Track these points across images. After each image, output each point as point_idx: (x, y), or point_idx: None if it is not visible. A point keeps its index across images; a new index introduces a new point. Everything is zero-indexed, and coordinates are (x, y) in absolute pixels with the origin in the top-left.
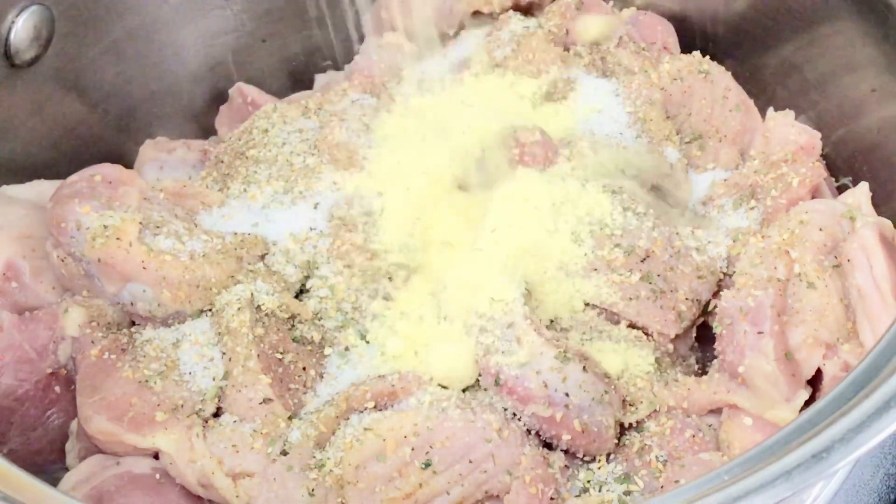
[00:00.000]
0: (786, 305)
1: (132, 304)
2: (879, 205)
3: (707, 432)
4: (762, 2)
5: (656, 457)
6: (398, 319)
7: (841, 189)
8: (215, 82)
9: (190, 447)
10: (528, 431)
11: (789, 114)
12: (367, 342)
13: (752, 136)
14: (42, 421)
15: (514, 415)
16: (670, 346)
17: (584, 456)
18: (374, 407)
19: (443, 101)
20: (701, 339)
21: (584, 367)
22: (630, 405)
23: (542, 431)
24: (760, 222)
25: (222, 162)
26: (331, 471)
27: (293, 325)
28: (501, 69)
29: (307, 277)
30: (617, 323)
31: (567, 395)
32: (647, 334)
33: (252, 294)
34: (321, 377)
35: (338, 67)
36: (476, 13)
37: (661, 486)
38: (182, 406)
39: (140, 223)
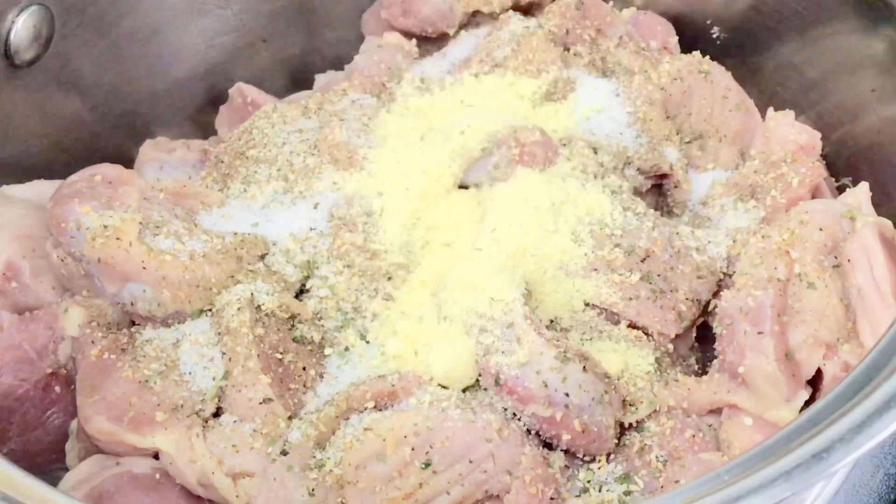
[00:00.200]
0: (786, 305)
1: (132, 304)
2: (879, 205)
3: (707, 432)
4: (762, 2)
5: (656, 457)
6: (398, 319)
7: (841, 189)
8: (215, 82)
9: (190, 447)
10: (528, 431)
11: (789, 114)
12: (367, 342)
13: (752, 136)
14: (42, 421)
15: (514, 415)
16: (670, 346)
17: (584, 456)
18: (374, 407)
19: (443, 101)
20: (701, 339)
21: (584, 367)
22: (630, 405)
23: (542, 431)
24: (760, 222)
25: (222, 162)
26: (331, 471)
27: (293, 325)
28: (501, 69)
29: (307, 277)
30: (617, 323)
31: (567, 395)
32: (647, 334)
33: (252, 294)
34: (321, 377)
35: (338, 67)
36: (476, 13)
37: (661, 486)
38: (182, 406)
39: (140, 223)
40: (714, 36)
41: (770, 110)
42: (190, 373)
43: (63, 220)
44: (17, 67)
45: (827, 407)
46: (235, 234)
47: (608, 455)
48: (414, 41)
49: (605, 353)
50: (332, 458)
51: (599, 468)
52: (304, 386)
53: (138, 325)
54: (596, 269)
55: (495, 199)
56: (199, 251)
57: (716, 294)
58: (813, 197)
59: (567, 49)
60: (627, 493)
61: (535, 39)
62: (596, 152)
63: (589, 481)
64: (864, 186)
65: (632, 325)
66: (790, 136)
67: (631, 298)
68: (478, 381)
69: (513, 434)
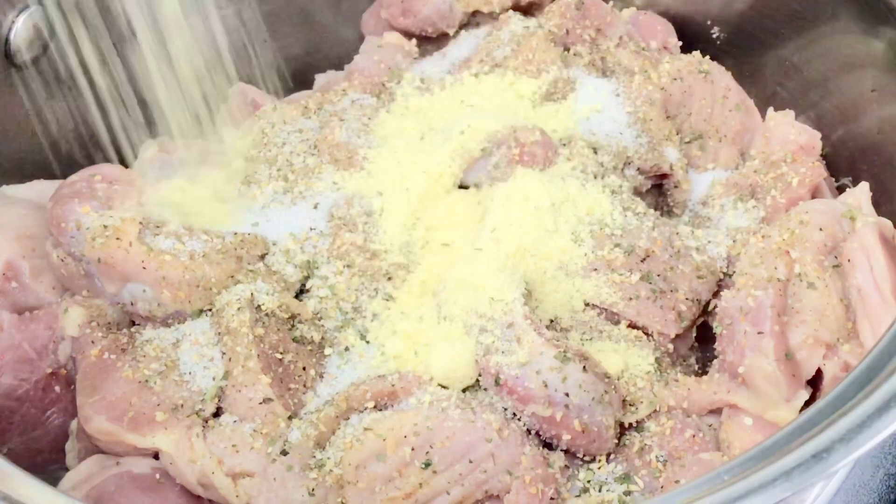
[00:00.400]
0: (786, 305)
1: (132, 304)
2: (879, 205)
3: (707, 432)
4: (762, 2)
5: (656, 457)
6: (398, 319)
7: (841, 189)
8: (215, 82)
9: (190, 447)
10: (528, 431)
11: (789, 114)
12: (367, 342)
13: (752, 135)
14: (42, 421)
15: (514, 415)
16: (670, 346)
17: (584, 456)
18: (374, 407)
19: (443, 101)
20: (701, 339)
21: (584, 367)
22: (630, 405)
23: (542, 431)
24: (760, 222)
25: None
26: (331, 471)
27: (293, 325)
28: (501, 69)
29: (307, 277)
30: (617, 323)
31: (567, 395)
32: (647, 334)
33: (252, 294)
34: (321, 377)
35: (338, 67)
36: (476, 13)
37: (661, 486)
38: (182, 406)
39: (140, 223)
40: (714, 36)
41: (770, 110)
42: (190, 373)
43: (63, 220)
44: (17, 67)
45: (827, 407)
46: (235, 234)
47: (608, 455)
48: (414, 41)
49: (605, 353)
50: (332, 458)
51: (599, 468)
52: (304, 386)
53: (138, 325)
54: (596, 269)
55: (495, 199)
56: (199, 251)
57: (716, 294)
58: (813, 197)
59: (567, 49)
60: (627, 493)
61: (535, 39)
62: (596, 152)
63: (589, 481)
64: (864, 186)
65: (632, 325)
66: (790, 136)
67: (631, 298)
68: (478, 381)
69: (513, 434)
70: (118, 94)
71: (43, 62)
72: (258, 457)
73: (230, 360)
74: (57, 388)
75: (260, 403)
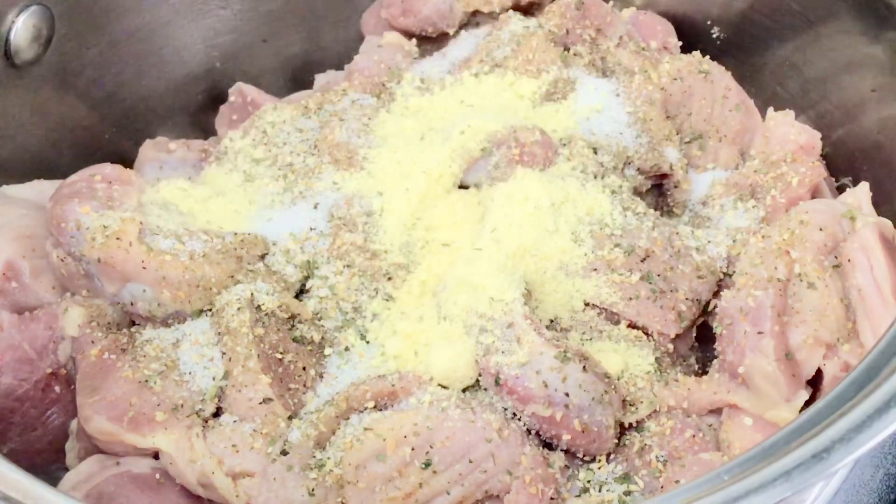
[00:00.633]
0: (786, 305)
1: (132, 304)
2: (879, 205)
3: (707, 432)
4: (762, 2)
5: (656, 457)
6: (398, 319)
7: (841, 189)
8: (215, 82)
9: (190, 447)
10: (528, 431)
11: (789, 114)
12: (367, 342)
13: (752, 135)
14: (42, 421)
15: (514, 415)
16: (670, 346)
17: (584, 456)
18: (374, 407)
19: (443, 101)
20: (701, 339)
21: (584, 367)
22: (630, 405)
23: (542, 431)
24: (760, 222)
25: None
26: (331, 471)
27: (293, 325)
28: (501, 69)
29: (307, 277)
30: (617, 323)
31: (567, 394)
32: (647, 334)
33: (252, 294)
34: (321, 377)
35: (338, 67)
36: (476, 13)
37: (661, 486)
38: (182, 406)
39: (140, 223)
40: (714, 36)
41: (770, 110)
42: (190, 373)
43: (63, 220)
44: (17, 67)
45: (827, 407)
46: (235, 234)
47: (608, 455)
48: (414, 41)
49: (605, 353)
50: (332, 457)
51: (599, 468)
52: (304, 386)
53: (138, 325)
54: (596, 269)
55: (495, 199)
56: (199, 251)
57: (716, 294)
58: (813, 197)
59: (567, 49)
60: (627, 493)
61: (535, 39)
62: (596, 152)
63: (589, 481)
64: (864, 186)
65: (632, 325)
66: (790, 135)
67: (631, 298)
68: (478, 381)
69: (513, 434)
70: (118, 94)
71: (43, 62)
72: (258, 457)
73: (230, 360)
74: (57, 388)
75: (260, 403)
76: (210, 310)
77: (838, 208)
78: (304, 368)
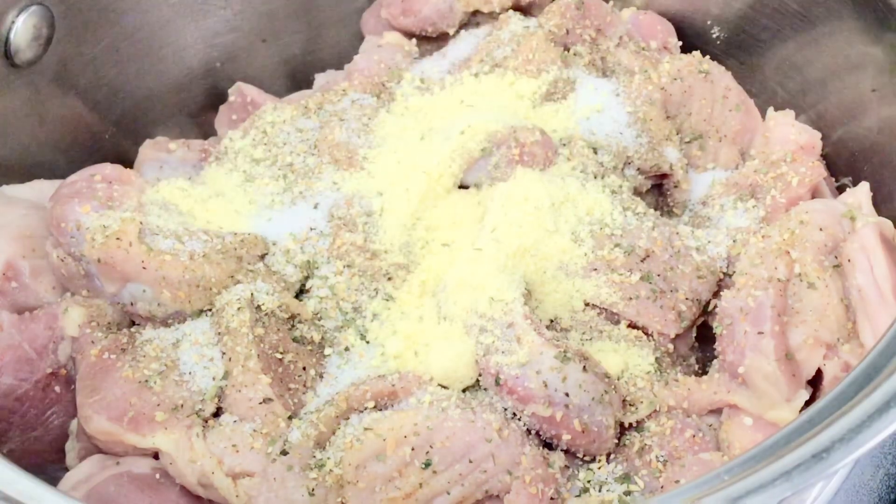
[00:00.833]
0: (786, 305)
1: (132, 304)
2: (879, 205)
3: (707, 432)
4: (762, 2)
5: (656, 457)
6: (398, 319)
7: (841, 189)
8: (215, 82)
9: (190, 447)
10: (528, 431)
11: (789, 114)
12: (367, 342)
13: (752, 135)
14: (42, 421)
15: (514, 415)
16: (670, 346)
17: (584, 456)
18: (374, 407)
19: (443, 101)
20: (701, 339)
21: (584, 367)
22: (630, 405)
23: (542, 431)
24: (760, 222)
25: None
26: (331, 470)
27: (293, 325)
28: (501, 69)
29: (307, 277)
30: (617, 323)
31: (567, 394)
32: (647, 334)
33: (252, 294)
34: (321, 377)
35: (338, 67)
36: (476, 13)
37: (661, 486)
38: (182, 406)
39: (140, 223)
40: (714, 36)
41: (770, 110)
42: (190, 373)
43: (63, 220)
44: (17, 67)
45: (827, 407)
46: (235, 234)
47: (608, 455)
48: (414, 41)
49: (605, 353)
50: (332, 457)
51: (599, 468)
52: (304, 386)
53: (138, 325)
54: (596, 269)
55: (495, 199)
56: (199, 251)
57: (716, 294)
58: (813, 197)
59: (567, 49)
60: (627, 493)
61: (535, 39)
62: (596, 152)
63: (589, 481)
64: (864, 186)
65: (632, 325)
66: (790, 135)
67: (631, 298)
68: (478, 381)
69: (513, 434)
70: (118, 94)
71: (43, 62)
72: (258, 457)
73: (230, 360)
74: (57, 388)
75: (260, 403)
76: (210, 310)
77: (838, 208)
78: (304, 368)
